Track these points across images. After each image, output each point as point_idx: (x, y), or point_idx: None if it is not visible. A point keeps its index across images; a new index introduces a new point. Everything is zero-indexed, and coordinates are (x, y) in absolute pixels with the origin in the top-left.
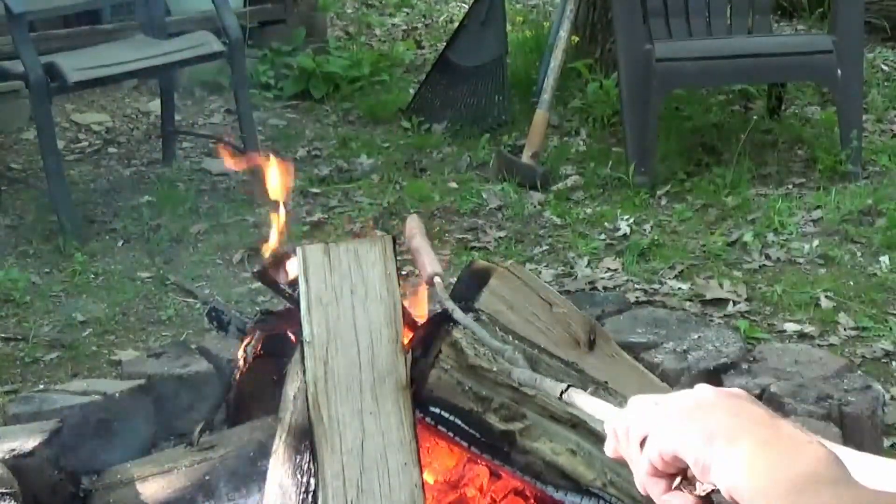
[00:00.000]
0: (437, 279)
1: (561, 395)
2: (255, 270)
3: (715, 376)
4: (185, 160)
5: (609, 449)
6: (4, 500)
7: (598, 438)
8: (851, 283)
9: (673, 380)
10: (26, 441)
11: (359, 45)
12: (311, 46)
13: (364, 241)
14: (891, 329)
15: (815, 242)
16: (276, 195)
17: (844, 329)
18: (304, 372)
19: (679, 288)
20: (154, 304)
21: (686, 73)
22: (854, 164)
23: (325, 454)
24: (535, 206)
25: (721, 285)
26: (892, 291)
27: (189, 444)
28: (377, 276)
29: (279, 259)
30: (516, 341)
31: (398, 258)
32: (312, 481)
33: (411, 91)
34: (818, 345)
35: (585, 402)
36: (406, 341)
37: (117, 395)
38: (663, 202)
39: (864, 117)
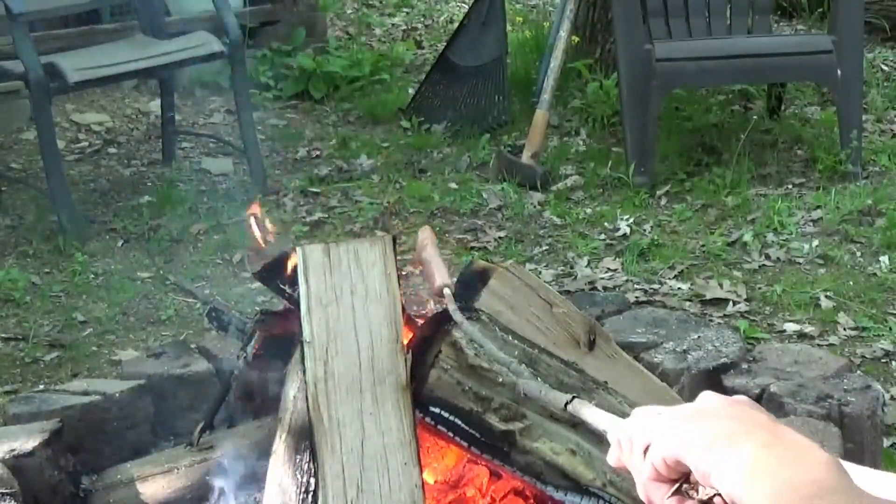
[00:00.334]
0: (446, 290)
1: (566, 406)
2: (255, 271)
3: (715, 376)
4: (185, 160)
5: (612, 458)
6: (4, 500)
7: (598, 438)
8: (851, 282)
9: (673, 380)
10: (26, 441)
11: (359, 45)
12: (311, 46)
13: (364, 241)
14: (890, 329)
15: (815, 242)
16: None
17: (844, 329)
18: (304, 372)
19: (679, 288)
20: (154, 304)
21: (686, 73)
22: (854, 164)
23: (325, 454)
24: (534, 207)
25: (721, 285)
26: (891, 291)
27: (189, 444)
28: (377, 276)
29: (279, 259)
30: (516, 341)
31: (398, 258)
32: (312, 481)
33: (411, 91)
34: (818, 345)
35: (590, 414)
36: (406, 341)
37: (117, 395)
38: (663, 202)
39: (864, 117)
